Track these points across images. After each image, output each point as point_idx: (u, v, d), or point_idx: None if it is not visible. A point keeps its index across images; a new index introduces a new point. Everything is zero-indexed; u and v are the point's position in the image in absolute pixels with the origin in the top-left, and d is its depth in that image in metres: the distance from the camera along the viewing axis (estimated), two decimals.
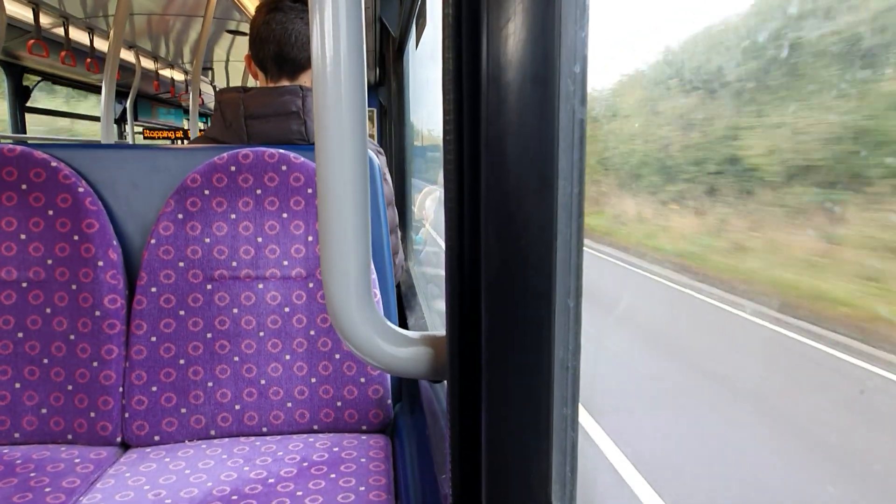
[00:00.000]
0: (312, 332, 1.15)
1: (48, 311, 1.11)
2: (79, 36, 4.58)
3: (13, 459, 1.02)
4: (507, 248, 0.37)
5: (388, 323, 0.51)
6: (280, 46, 1.30)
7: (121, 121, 7.05)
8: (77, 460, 1.03)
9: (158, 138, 8.29)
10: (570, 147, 0.35)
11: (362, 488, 0.95)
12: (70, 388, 1.10)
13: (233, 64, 6.63)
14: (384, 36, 3.10)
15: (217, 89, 7.20)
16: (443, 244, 0.44)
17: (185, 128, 8.54)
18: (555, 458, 0.38)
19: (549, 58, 0.34)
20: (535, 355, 0.38)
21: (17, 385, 1.10)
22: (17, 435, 1.09)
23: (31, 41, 3.96)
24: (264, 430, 1.14)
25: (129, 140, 6.99)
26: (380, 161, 1.33)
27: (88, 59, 4.60)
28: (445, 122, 0.40)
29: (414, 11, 2.25)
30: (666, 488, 2.49)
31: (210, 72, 7.02)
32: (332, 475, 0.99)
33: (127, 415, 1.10)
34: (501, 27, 0.35)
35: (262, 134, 1.25)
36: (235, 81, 7.55)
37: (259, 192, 1.14)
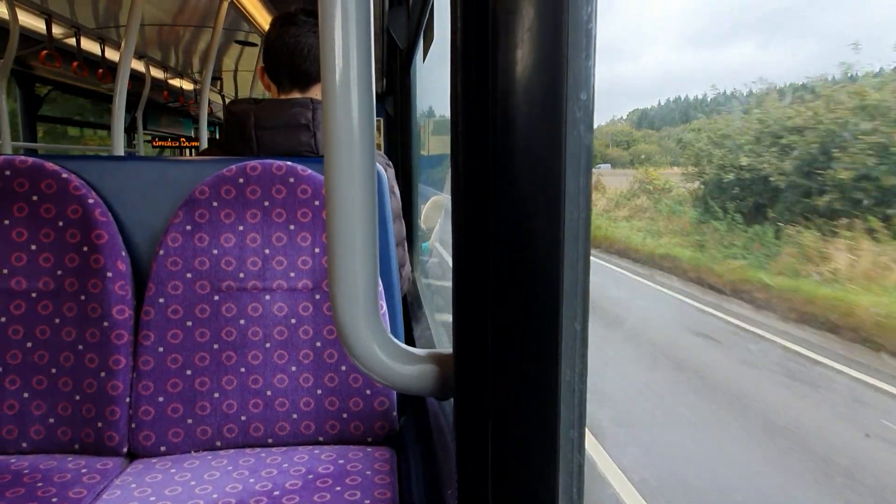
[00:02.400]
0: (318, 344, 1.15)
1: (57, 321, 1.12)
2: (90, 46, 4.64)
3: (20, 469, 1.03)
4: (514, 270, 0.38)
5: (395, 340, 0.51)
6: (292, 59, 1.32)
7: (130, 130, 7.11)
8: (84, 470, 1.04)
9: (168, 147, 8.36)
10: (577, 172, 0.35)
11: (367, 501, 0.95)
12: (77, 398, 1.11)
13: (241, 74, 6.68)
14: (392, 46, 3.12)
15: (225, 99, 7.27)
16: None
17: (194, 137, 8.60)
18: (561, 479, 0.38)
19: (556, 85, 0.34)
20: (542, 377, 0.38)
21: (25, 395, 1.10)
22: (24, 444, 1.10)
23: (44, 51, 4.02)
24: (270, 441, 1.14)
25: (139, 149, 7.05)
26: (388, 174, 1.34)
27: (100, 70, 4.66)
28: (453, 146, 0.41)
29: (422, 25, 2.27)
30: None
31: (219, 82, 7.09)
32: (338, 488, 0.99)
33: (134, 425, 1.11)
34: (509, 54, 0.35)
35: (272, 145, 1.26)
36: (244, 91, 7.61)
37: (267, 203, 1.15)
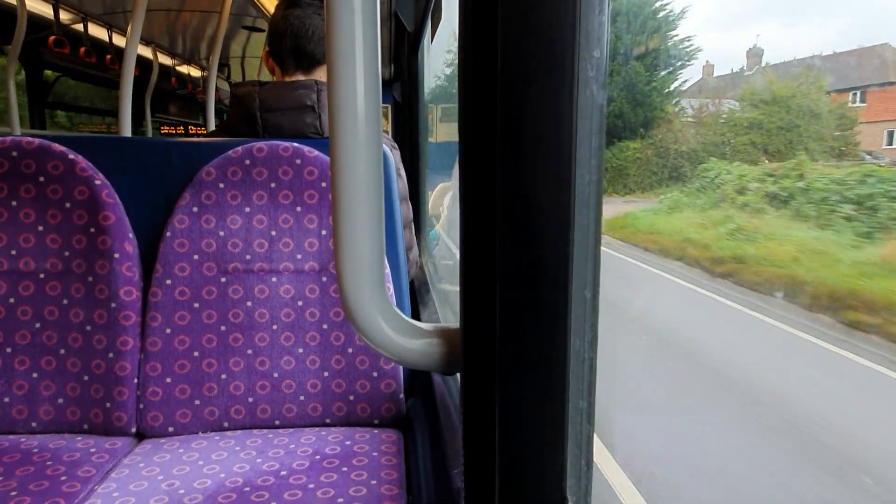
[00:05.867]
0: (325, 326, 1.15)
1: (65, 302, 1.12)
2: (97, 32, 4.64)
3: (30, 448, 1.04)
4: (522, 238, 0.37)
5: (402, 314, 0.50)
6: (297, 41, 1.31)
7: (139, 116, 7.11)
8: (92, 450, 1.04)
9: (175, 133, 8.38)
10: (589, 134, 0.34)
11: (374, 482, 0.95)
12: (86, 378, 1.11)
13: (248, 60, 6.67)
14: (399, 31, 3.09)
15: (233, 84, 7.24)
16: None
17: (201, 123, 8.62)
18: (570, 451, 0.38)
19: (568, 43, 0.33)
20: (551, 347, 0.37)
21: (35, 375, 1.11)
22: (34, 424, 1.11)
23: (52, 37, 4.02)
24: (277, 422, 1.14)
25: (148, 135, 7.08)
26: (394, 156, 1.33)
27: (108, 56, 4.66)
28: (461, 109, 0.40)
29: (429, 7, 2.24)
30: None
31: (226, 68, 7.07)
32: (345, 468, 0.99)
33: (142, 406, 1.11)
34: (519, 12, 0.34)
35: (277, 127, 1.26)
36: (251, 77, 7.60)
37: (273, 185, 1.14)
